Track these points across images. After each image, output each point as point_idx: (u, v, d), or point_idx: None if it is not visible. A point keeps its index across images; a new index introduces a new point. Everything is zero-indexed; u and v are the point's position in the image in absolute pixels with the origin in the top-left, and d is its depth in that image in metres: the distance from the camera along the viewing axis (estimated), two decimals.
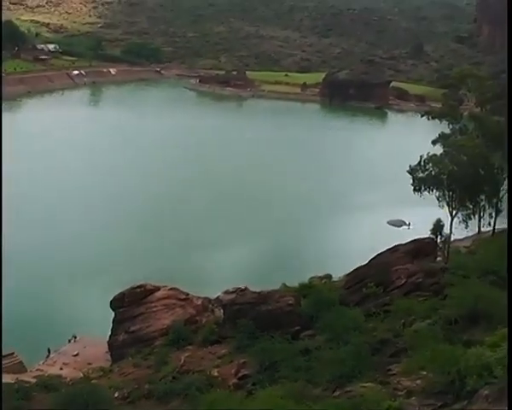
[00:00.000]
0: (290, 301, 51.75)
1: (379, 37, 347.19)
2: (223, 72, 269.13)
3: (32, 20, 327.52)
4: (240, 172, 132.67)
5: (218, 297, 63.26)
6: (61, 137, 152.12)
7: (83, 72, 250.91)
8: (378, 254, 58.24)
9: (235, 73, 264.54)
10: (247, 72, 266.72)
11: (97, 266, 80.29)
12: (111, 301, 60.85)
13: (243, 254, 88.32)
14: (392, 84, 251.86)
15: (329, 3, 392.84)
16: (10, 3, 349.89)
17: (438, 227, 65.29)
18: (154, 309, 59.62)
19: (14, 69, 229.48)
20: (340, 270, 65.54)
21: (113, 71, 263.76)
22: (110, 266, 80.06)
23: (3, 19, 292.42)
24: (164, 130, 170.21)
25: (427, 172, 69.57)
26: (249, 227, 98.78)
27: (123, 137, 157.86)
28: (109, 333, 61.08)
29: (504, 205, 71.35)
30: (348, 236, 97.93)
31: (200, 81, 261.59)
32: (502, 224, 75.18)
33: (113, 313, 60.96)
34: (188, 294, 62.40)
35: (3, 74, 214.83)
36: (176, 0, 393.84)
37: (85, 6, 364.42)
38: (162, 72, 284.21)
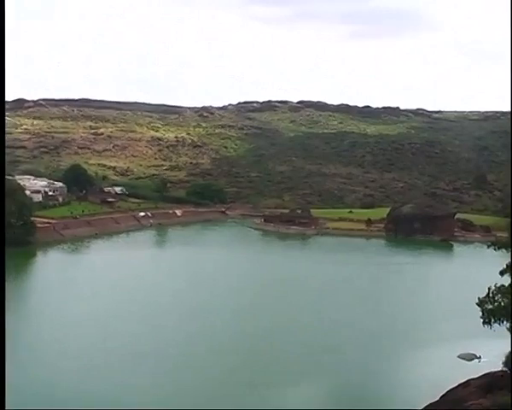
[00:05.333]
0: None
1: (441, 169, 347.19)
2: (287, 210, 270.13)
3: (99, 164, 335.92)
4: (308, 308, 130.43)
5: None
6: (129, 277, 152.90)
7: (149, 213, 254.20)
8: (449, 390, 56.24)
9: (299, 211, 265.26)
10: (311, 210, 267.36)
11: None
12: None
13: (316, 390, 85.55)
14: (456, 216, 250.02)
15: (390, 139, 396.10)
16: (78, 148, 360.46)
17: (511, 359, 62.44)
18: None
19: (82, 211, 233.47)
20: (410, 406, 62.93)
21: (178, 212, 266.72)
22: None
23: (72, 163, 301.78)
24: (229, 269, 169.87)
25: (496, 304, 67.08)
26: (321, 363, 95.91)
27: (190, 276, 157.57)
28: None
29: None
30: (417, 371, 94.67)
31: (264, 220, 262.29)
32: None
33: None
34: None
35: (71, 217, 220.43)
36: (238, 141, 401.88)
37: (151, 149, 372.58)
38: (227, 212, 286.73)
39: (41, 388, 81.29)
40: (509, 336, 67.39)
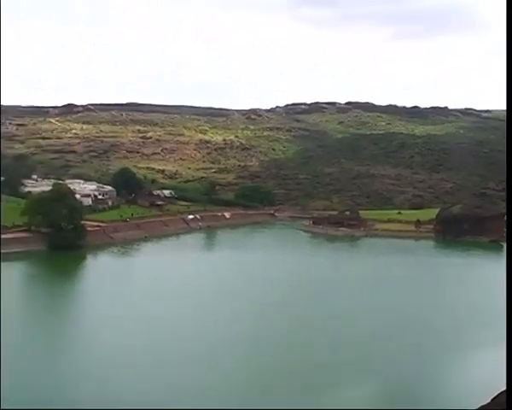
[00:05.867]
0: None
1: (490, 169, 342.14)
2: (335, 212, 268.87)
3: (147, 167, 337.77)
4: (360, 310, 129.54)
5: None
6: (179, 279, 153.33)
7: (198, 216, 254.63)
8: (501, 393, 55.11)
9: (347, 213, 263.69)
10: (359, 211, 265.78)
11: None
12: None
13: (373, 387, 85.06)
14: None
15: (439, 139, 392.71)
16: (127, 151, 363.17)
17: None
18: None
19: (132, 215, 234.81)
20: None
21: (227, 215, 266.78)
22: None
23: (121, 167, 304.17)
24: (279, 271, 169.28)
25: None
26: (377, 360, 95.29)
27: (240, 279, 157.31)
28: None
29: None
30: (468, 373, 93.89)
31: (313, 222, 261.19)
32: None
33: None
34: None
35: (121, 220, 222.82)
36: (286, 143, 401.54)
37: (199, 152, 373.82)
38: (275, 214, 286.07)
39: (95, 386, 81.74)
40: None
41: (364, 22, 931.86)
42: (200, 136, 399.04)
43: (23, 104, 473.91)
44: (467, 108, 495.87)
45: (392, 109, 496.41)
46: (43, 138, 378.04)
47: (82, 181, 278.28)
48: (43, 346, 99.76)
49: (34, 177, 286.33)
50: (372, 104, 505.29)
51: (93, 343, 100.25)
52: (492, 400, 51.79)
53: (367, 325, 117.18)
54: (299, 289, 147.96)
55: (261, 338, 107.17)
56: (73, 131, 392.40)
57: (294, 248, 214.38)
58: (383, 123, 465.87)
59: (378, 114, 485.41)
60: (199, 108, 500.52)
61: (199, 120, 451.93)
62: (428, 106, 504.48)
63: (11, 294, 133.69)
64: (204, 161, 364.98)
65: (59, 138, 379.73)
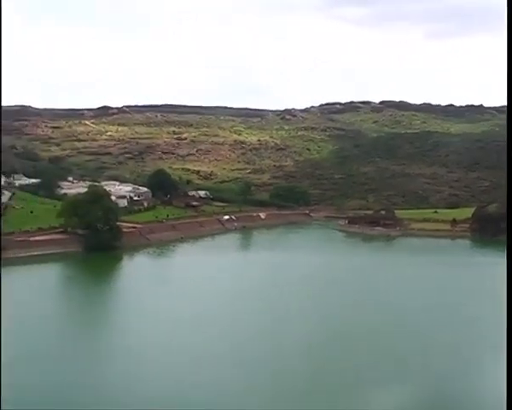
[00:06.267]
0: None
1: None
2: (371, 212, 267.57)
3: (182, 168, 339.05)
4: (408, 309, 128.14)
5: None
6: (216, 280, 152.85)
7: (233, 217, 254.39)
8: None
9: (383, 212, 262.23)
10: (395, 210, 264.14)
11: None
12: None
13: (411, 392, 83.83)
14: None
15: (474, 137, 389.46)
16: (162, 153, 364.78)
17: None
18: None
19: (167, 216, 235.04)
20: None
21: (262, 215, 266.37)
22: None
23: (156, 168, 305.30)
24: (316, 271, 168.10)
25: None
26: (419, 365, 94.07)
27: (276, 279, 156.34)
28: None
29: None
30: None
31: (348, 222, 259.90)
32: None
33: None
34: None
35: (156, 221, 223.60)
36: (321, 143, 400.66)
37: (234, 153, 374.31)
38: (311, 214, 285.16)
39: (138, 386, 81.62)
40: None
41: (398, 21, 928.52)
42: (235, 136, 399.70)
43: (58, 107, 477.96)
44: (502, 106, 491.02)
45: (426, 108, 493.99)
46: (79, 141, 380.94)
47: (117, 183, 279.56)
48: (83, 348, 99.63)
49: (70, 179, 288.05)
50: (406, 103, 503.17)
51: (133, 344, 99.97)
52: None
53: (419, 325, 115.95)
54: (341, 290, 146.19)
55: (313, 341, 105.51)
56: (108, 133, 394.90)
57: (331, 248, 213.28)
58: (418, 121, 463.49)
59: (413, 112, 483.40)
60: (233, 108, 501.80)
61: (233, 120, 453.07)
62: (463, 104, 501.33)
63: (48, 296, 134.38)
64: (239, 162, 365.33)
65: (94, 140, 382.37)
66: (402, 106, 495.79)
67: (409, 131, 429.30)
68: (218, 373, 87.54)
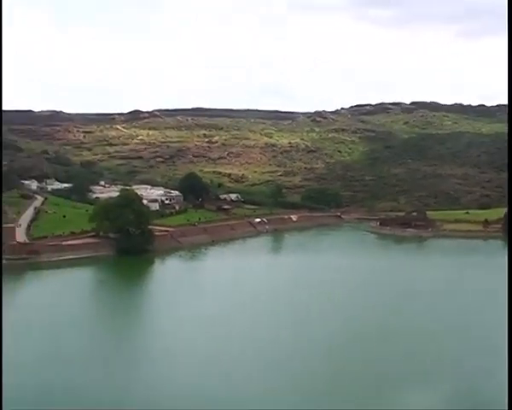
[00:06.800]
0: None
1: None
2: (402, 213, 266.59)
3: (214, 172, 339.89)
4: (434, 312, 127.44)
5: None
6: (247, 283, 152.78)
7: (264, 219, 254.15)
8: None
9: (415, 213, 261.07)
10: (427, 212, 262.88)
11: None
12: None
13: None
14: None
15: (506, 137, 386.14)
16: (193, 156, 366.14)
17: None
18: None
19: (199, 219, 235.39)
20: None
21: (293, 217, 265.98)
22: None
23: (187, 171, 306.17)
24: (347, 273, 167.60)
25: None
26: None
27: (309, 282, 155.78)
28: None
29: None
30: None
31: (380, 224, 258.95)
32: None
33: None
34: None
35: (188, 224, 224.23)
36: (351, 144, 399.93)
37: (265, 155, 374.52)
38: (342, 216, 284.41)
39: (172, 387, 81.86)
40: None
41: (427, 21, 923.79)
42: (266, 139, 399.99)
43: (90, 112, 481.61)
44: None
45: (457, 108, 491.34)
46: (110, 145, 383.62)
47: (149, 186, 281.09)
48: (118, 350, 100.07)
49: (102, 183, 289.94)
50: (437, 103, 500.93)
51: (168, 346, 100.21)
52: None
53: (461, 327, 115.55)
54: (374, 292, 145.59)
55: (350, 342, 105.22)
56: (139, 137, 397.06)
57: (363, 249, 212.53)
58: (449, 122, 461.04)
59: (444, 113, 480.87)
60: (264, 111, 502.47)
61: (264, 123, 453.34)
62: (495, 104, 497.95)
63: (81, 299, 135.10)
64: (270, 164, 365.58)
65: (125, 144, 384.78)
66: (433, 106, 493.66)
67: (440, 131, 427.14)
68: (249, 373, 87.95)
